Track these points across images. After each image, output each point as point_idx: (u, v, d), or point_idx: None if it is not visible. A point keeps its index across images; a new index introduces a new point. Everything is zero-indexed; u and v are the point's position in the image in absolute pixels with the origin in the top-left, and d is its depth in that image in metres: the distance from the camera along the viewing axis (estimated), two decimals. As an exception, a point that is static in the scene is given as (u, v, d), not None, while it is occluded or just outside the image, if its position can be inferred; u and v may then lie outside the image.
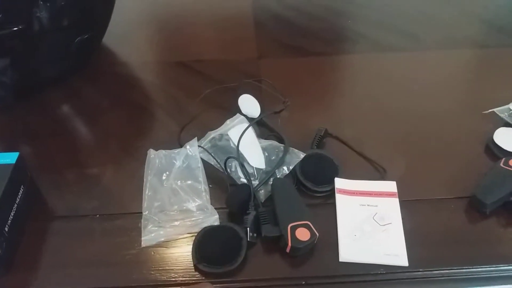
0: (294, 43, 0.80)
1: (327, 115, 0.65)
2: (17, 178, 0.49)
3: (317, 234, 0.47)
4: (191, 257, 0.47)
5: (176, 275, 0.46)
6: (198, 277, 0.46)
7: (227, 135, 0.60)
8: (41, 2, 0.59)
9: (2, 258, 0.45)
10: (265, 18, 0.85)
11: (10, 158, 0.49)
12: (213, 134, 0.60)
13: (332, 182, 0.54)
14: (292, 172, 0.55)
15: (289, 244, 0.45)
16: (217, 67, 0.74)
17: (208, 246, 0.47)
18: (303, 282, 0.45)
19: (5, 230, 0.46)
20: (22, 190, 0.50)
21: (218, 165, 0.56)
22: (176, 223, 0.50)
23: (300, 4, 0.89)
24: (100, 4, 0.71)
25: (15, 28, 0.59)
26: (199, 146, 0.57)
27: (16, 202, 0.49)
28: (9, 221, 0.47)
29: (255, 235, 0.48)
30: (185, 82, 0.72)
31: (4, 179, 0.47)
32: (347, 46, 0.79)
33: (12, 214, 0.48)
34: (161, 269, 0.47)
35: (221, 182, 0.55)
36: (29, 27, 0.60)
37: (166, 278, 0.46)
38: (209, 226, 0.49)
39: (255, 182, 0.53)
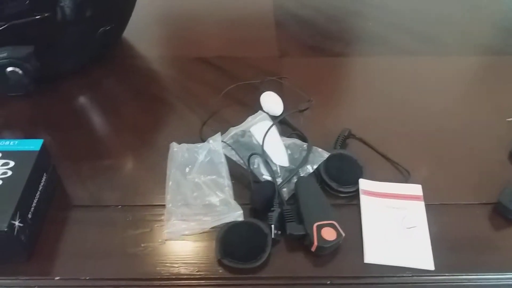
0: (314, 43, 0.79)
1: (349, 116, 0.65)
2: (40, 166, 0.49)
3: (343, 234, 0.46)
4: (214, 252, 0.47)
5: (198, 269, 0.46)
6: (221, 272, 0.45)
7: (250, 131, 0.59)
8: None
9: (25, 244, 0.45)
10: (285, 18, 0.85)
11: (34, 145, 0.49)
12: (235, 130, 0.60)
13: (356, 183, 0.53)
14: (315, 172, 0.54)
15: (315, 243, 0.45)
16: (237, 64, 0.74)
17: (232, 241, 0.46)
18: (328, 282, 0.45)
19: (28, 217, 0.45)
20: (45, 178, 0.50)
21: (241, 161, 0.56)
22: (199, 217, 0.50)
23: (320, 5, 0.89)
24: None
25: (40, 16, 0.59)
26: (222, 141, 0.57)
27: (39, 189, 0.48)
28: (32, 208, 0.46)
29: (279, 232, 0.47)
30: (205, 78, 0.72)
31: (29, 165, 0.47)
32: (368, 48, 0.79)
33: (35, 201, 0.47)
34: (184, 263, 0.46)
35: (242, 178, 0.55)
36: (54, 16, 0.60)
37: (189, 271, 0.46)
38: (233, 221, 0.48)
39: (279, 180, 0.53)
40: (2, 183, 0.44)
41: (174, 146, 0.57)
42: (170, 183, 0.53)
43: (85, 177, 0.55)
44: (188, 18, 0.85)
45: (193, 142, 0.58)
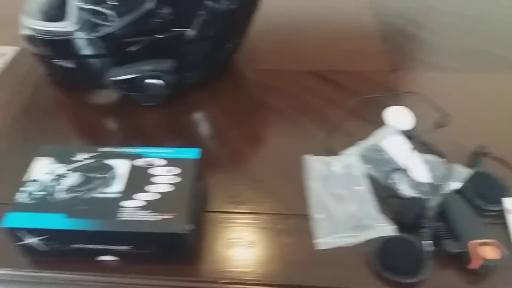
0: (424, 58, 0.79)
1: (478, 132, 0.63)
2: (200, 172, 0.51)
3: (508, 253, 0.45)
4: (368, 265, 0.47)
5: (355, 281, 0.47)
6: (381, 286, 0.46)
7: (379, 146, 0.60)
8: (204, 12, 0.62)
9: (192, 247, 0.47)
10: (390, 32, 0.85)
11: (192, 153, 0.52)
12: (364, 144, 0.61)
13: (498, 202, 0.52)
14: (459, 189, 0.54)
15: (480, 261, 0.45)
16: (351, 78, 0.75)
17: (390, 255, 0.47)
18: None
19: (194, 221, 0.48)
20: (201, 184, 0.53)
21: (376, 175, 0.56)
22: (348, 229, 0.50)
23: (422, 19, 0.88)
24: (248, 14, 0.74)
25: (179, 32, 0.63)
26: (356, 155, 0.58)
27: (199, 195, 0.51)
28: (196, 213, 0.49)
29: (436, 249, 0.47)
30: (320, 91, 0.73)
31: (193, 172, 0.49)
32: (479, 63, 0.77)
33: (197, 206, 0.50)
34: (338, 274, 0.47)
35: (377, 192, 0.55)
36: (187, 32, 0.63)
37: (347, 282, 0.47)
38: (388, 235, 0.49)
39: (423, 196, 0.53)
40: (175, 189, 0.47)
41: (309, 158, 0.59)
42: (312, 194, 0.54)
43: (223, 184, 0.58)
44: (293, 32, 0.87)
45: (320, 155, 0.60)
